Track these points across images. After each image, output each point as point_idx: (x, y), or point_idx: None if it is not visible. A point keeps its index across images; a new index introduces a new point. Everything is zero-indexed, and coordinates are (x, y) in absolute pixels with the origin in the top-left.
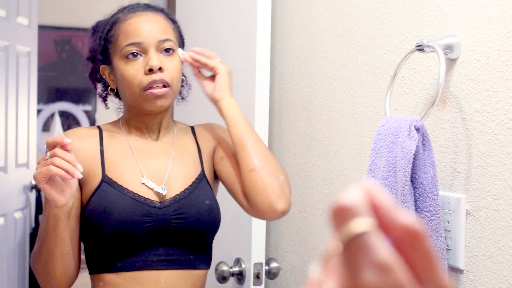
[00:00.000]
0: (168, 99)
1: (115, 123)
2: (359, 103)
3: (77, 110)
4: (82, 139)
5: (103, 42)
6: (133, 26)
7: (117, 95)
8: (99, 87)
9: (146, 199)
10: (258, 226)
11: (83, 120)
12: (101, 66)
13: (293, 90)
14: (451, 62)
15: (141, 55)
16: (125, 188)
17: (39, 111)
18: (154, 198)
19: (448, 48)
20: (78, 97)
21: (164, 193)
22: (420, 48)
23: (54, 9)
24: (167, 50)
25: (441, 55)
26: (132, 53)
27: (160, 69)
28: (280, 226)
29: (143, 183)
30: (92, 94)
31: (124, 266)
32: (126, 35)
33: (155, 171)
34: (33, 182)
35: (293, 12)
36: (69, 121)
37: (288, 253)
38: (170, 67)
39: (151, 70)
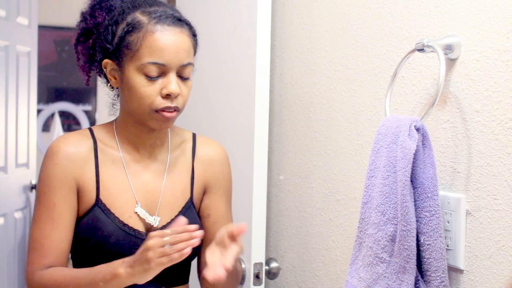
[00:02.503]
0: (175, 120)
1: (109, 129)
2: (359, 103)
3: (77, 110)
4: (78, 151)
5: (118, 40)
6: (159, 44)
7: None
8: (82, 59)
9: (135, 230)
10: (258, 226)
11: (83, 120)
12: (105, 61)
13: (293, 90)
14: (451, 62)
15: (160, 75)
16: (117, 218)
17: (39, 111)
18: (142, 229)
19: (448, 48)
20: (78, 97)
21: (155, 225)
22: (420, 48)
23: (54, 9)
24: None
25: (441, 55)
26: (153, 73)
27: (178, 94)
28: (280, 226)
29: (136, 212)
30: (92, 94)
31: None
32: (150, 51)
33: (148, 197)
34: (33, 182)
35: (293, 12)
36: (69, 121)
37: (288, 253)
38: (185, 92)
39: (168, 95)
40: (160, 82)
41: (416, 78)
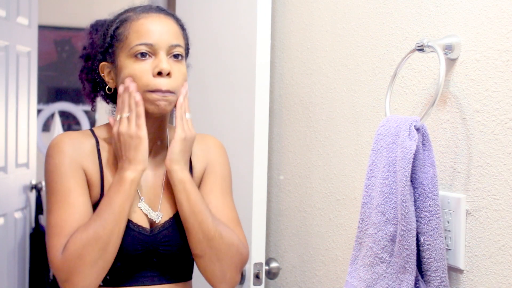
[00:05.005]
0: (171, 104)
1: (109, 129)
2: (359, 103)
3: (77, 110)
4: (81, 145)
5: (109, 39)
6: (145, 27)
7: (112, 98)
8: (87, 87)
9: (138, 226)
10: (258, 226)
11: (83, 120)
12: (101, 64)
13: (293, 90)
14: (451, 62)
15: (150, 56)
16: None
17: (39, 111)
18: (145, 224)
19: (448, 48)
20: (78, 97)
21: (157, 220)
22: (420, 48)
23: (54, 9)
24: (176, 56)
25: (441, 55)
26: (142, 53)
27: (168, 74)
28: (280, 226)
29: (139, 207)
30: None
31: (114, 281)
32: (138, 34)
33: (150, 193)
34: (33, 182)
35: (293, 12)
36: (69, 121)
37: (288, 253)
38: (177, 74)
39: (160, 74)
40: (150, 62)
41: (416, 78)
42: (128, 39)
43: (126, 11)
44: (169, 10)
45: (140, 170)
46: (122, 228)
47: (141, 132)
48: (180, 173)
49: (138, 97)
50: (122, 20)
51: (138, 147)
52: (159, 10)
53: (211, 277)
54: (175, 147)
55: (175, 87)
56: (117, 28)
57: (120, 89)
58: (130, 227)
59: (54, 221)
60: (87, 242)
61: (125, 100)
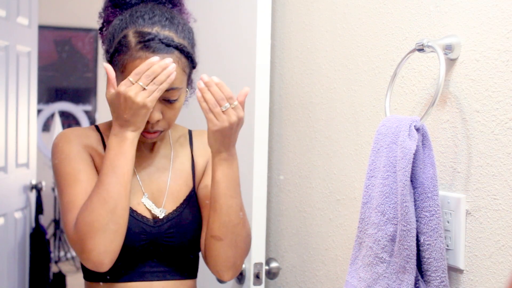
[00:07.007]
0: (160, 136)
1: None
2: (359, 103)
3: (77, 110)
4: (87, 137)
5: (110, 56)
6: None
7: None
8: (104, 42)
9: (143, 217)
10: (258, 226)
11: (83, 120)
12: (105, 64)
13: (293, 90)
14: (451, 62)
15: None
16: None
17: (39, 111)
18: (149, 216)
19: (448, 48)
20: (78, 97)
21: (161, 216)
22: (420, 48)
23: (54, 9)
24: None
25: (441, 55)
26: None
27: (157, 121)
28: (280, 226)
29: (142, 202)
30: (92, 94)
31: (117, 276)
32: None
33: (154, 189)
34: (33, 182)
35: (293, 12)
36: (69, 121)
37: (288, 253)
38: (170, 115)
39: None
40: None
41: (416, 78)
42: (123, 75)
43: (134, 23)
44: (174, 42)
45: (139, 131)
46: (129, 189)
47: (151, 104)
48: (227, 152)
49: (171, 69)
50: (123, 45)
51: (141, 114)
52: (161, 46)
53: (224, 262)
54: (210, 139)
55: (165, 126)
56: (117, 51)
57: (155, 58)
58: (135, 217)
59: (66, 200)
60: (92, 208)
61: (155, 71)
